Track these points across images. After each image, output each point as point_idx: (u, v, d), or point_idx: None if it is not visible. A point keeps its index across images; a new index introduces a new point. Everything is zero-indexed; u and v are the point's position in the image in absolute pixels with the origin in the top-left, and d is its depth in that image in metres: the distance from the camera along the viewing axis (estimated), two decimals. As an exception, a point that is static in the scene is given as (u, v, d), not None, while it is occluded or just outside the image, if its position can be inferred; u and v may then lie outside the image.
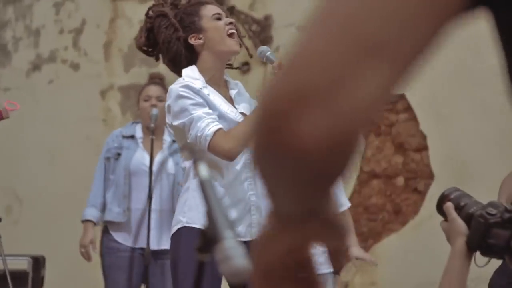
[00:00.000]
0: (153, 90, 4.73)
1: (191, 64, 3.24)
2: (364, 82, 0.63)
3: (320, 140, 0.64)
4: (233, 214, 3.10)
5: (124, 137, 4.73)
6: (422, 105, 5.72)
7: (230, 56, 3.31)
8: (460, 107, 5.56)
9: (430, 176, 5.65)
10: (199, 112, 3.03)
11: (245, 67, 6.05)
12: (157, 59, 3.43)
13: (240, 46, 3.29)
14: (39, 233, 6.93)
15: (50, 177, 7.13)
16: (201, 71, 3.21)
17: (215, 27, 3.23)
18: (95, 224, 4.69)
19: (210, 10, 3.28)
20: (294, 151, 0.65)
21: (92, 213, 4.68)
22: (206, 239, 1.03)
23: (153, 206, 4.47)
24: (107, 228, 4.67)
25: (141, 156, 4.61)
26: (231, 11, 6.17)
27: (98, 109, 7.16)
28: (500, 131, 5.26)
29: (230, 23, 3.24)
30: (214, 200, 1.05)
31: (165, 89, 4.62)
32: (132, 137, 4.72)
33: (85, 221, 4.69)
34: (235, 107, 3.23)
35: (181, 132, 3.12)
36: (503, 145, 5.28)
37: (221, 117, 3.11)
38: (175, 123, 3.10)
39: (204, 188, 1.07)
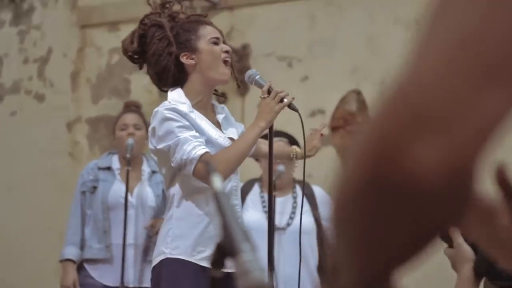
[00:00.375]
0: (130, 118, 4.57)
1: (178, 83, 3.15)
2: (485, 108, 0.61)
3: (440, 169, 0.61)
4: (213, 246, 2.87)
5: (100, 168, 4.53)
6: None
7: (219, 84, 3.22)
8: None
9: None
10: (185, 134, 2.93)
11: (221, 98, 5.84)
12: (141, 67, 3.32)
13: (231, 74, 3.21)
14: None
15: (9, 211, 6.88)
16: (187, 94, 3.11)
17: (211, 51, 3.12)
18: (75, 263, 4.45)
19: (209, 32, 3.16)
20: (410, 181, 0.61)
21: (71, 252, 4.46)
22: (220, 253, 1.00)
23: (131, 241, 4.31)
24: (82, 264, 4.46)
25: (119, 189, 4.42)
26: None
27: (64, 142, 6.93)
28: None
29: (227, 51, 3.13)
30: (230, 212, 1.01)
31: (142, 117, 4.58)
32: (109, 168, 4.54)
33: (65, 260, 4.46)
34: (223, 132, 3.14)
35: (165, 156, 3.01)
36: None
37: (209, 142, 3.02)
38: (160, 146, 2.99)
39: (219, 200, 1.04)
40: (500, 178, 0.86)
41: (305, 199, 4.09)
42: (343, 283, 0.74)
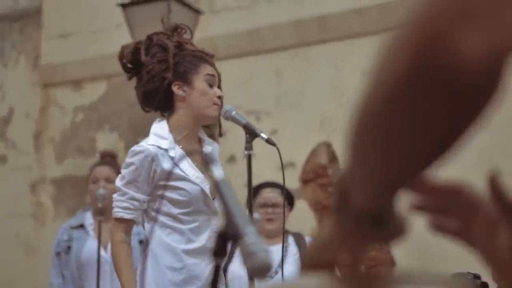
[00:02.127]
0: (101, 171, 4.49)
1: (161, 108, 3.14)
2: None
3: (483, 54, 0.63)
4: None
5: (72, 228, 4.42)
6: None
7: (207, 121, 3.18)
8: None
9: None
10: (128, 191, 3.00)
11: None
12: (130, 78, 3.27)
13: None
14: None
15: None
16: (173, 128, 3.09)
17: (204, 92, 3.09)
18: None
19: (207, 71, 3.13)
20: (452, 70, 0.63)
21: None
22: (223, 241, 1.06)
23: None
24: None
25: (92, 245, 4.29)
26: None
27: (27, 204, 6.80)
28: None
29: (219, 97, 3.10)
30: (231, 198, 1.07)
31: (116, 169, 4.45)
32: (82, 226, 4.43)
33: None
34: (202, 173, 3.10)
35: None
36: None
37: (184, 179, 3.01)
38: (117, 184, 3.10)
39: (220, 188, 1.10)
40: (495, 191, 0.85)
41: (296, 248, 4.05)
42: (355, 204, 0.78)
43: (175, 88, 3.08)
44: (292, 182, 5.04)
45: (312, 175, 5.35)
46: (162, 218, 3.01)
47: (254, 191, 4.33)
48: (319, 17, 5.99)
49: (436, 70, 0.64)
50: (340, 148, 5.54)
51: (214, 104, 3.08)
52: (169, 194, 3.00)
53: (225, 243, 1.06)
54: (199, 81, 3.09)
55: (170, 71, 3.09)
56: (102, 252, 4.23)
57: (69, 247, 4.37)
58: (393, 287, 0.76)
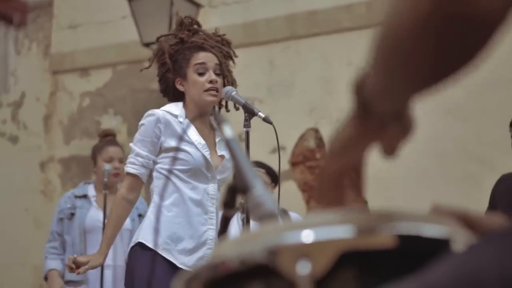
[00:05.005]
0: (115, 152, 4.54)
1: (179, 98, 3.26)
2: None
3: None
4: (188, 244, 3.08)
5: (76, 197, 4.51)
6: None
7: (206, 107, 3.22)
8: None
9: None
10: (135, 148, 3.14)
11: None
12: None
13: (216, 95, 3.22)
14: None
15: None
16: (186, 109, 3.22)
17: (194, 82, 3.17)
18: (59, 272, 4.40)
19: (196, 61, 3.20)
20: (473, 8, 0.66)
21: (53, 263, 4.42)
22: (233, 194, 1.06)
23: (110, 262, 4.27)
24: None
25: (95, 214, 4.42)
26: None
27: (37, 181, 6.89)
28: None
29: (211, 81, 3.16)
30: (240, 155, 1.07)
31: (122, 149, 4.58)
32: (85, 196, 4.52)
33: (50, 270, 4.40)
34: (216, 151, 3.23)
35: None
36: None
37: (190, 143, 3.13)
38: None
39: (230, 146, 1.10)
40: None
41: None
42: (379, 108, 0.81)
43: (177, 85, 3.22)
44: (283, 164, 5.14)
45: (301, 158, 5.44)
46: (173, 178, 3.10)
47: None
48: (310, 12, 6.06)
49: (459, 6, 0.67)
50: (327, 133, 5.64)
51: (205, 90, 3.15)
52: (178, 155, 3.12)
53: (234, 195, 1.06)
54: (191, 73, 3.18)
55: (170, 71, 3.22)
56: (106, 221, 4.33)
57: (72, 214, 4.44)
58: (395, 223, 0.76)
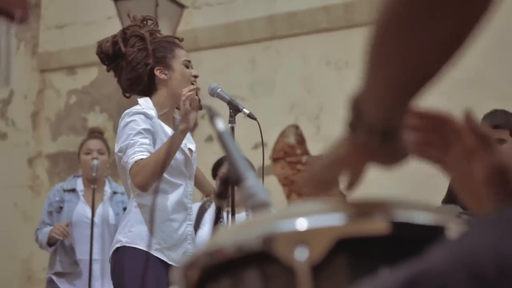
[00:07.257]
0: (94, 143, 4.54)
1: (145, 92, 3.15)
2: None
3: None
4: (173, 241, 3.02)
5: (65, 190, 4.49)
6: None
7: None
8: None
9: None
10: (136, 139, 2.93)
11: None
12: (109, 70, 3.28)
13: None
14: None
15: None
16: (154, 104, 3.11)
17: (183, 72, 3.15)
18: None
19: (182, 54, 3.20)
20: None
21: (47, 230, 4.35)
22: (225, 185, 1.05)
23: (97, 256, 4.29)
24: (50, 277, 4.36)
25: (82, 209, 4.41)
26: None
27: (25, 176, 6.86)
28: None
29: (195, 76, 3.17)
30: (233, 147, 1.07)
31: (105, 143, 4.56)
32: (73, 190, 4.50)
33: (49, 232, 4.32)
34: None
35: (121, 160, 3.01)
36: None
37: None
38: (117, 149, 3.00)
39: (223, 138, 1.09)
40: (470, 124, 0.86)
41: None
42: (368, 119, 0.79)
43: (157, 73, 3.12)
44: (264, 160, 5.16)
45: (282, 153, 5.47)
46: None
47: (218, 163, 4.41)
48: (290, 13, 6.08)
49: None
50: (306, 130, 5.67)
51: (192, 83, 3.11)
52: None
53: (227, 186, 1.06)
54: (178, 65, 3.14)
55: (151, 58, 3.12)
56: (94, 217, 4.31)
57: (61, 207, 4.42)
58: (391, 212, 0.76)
